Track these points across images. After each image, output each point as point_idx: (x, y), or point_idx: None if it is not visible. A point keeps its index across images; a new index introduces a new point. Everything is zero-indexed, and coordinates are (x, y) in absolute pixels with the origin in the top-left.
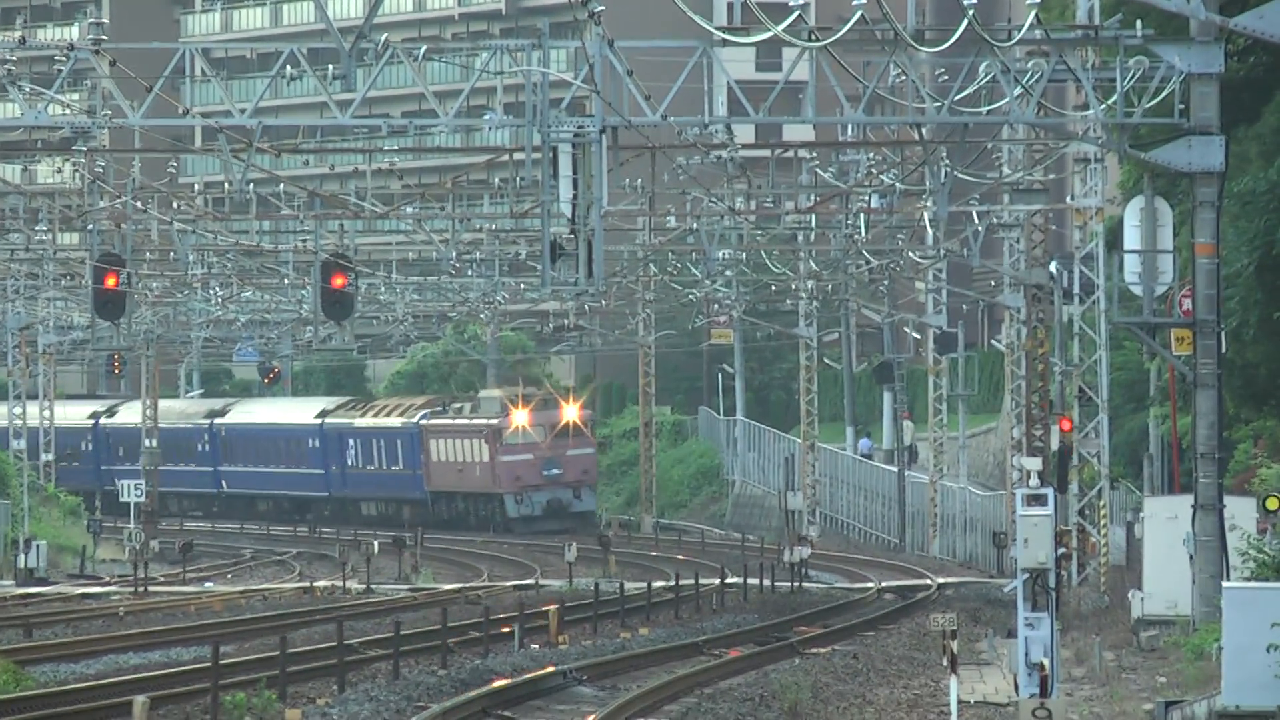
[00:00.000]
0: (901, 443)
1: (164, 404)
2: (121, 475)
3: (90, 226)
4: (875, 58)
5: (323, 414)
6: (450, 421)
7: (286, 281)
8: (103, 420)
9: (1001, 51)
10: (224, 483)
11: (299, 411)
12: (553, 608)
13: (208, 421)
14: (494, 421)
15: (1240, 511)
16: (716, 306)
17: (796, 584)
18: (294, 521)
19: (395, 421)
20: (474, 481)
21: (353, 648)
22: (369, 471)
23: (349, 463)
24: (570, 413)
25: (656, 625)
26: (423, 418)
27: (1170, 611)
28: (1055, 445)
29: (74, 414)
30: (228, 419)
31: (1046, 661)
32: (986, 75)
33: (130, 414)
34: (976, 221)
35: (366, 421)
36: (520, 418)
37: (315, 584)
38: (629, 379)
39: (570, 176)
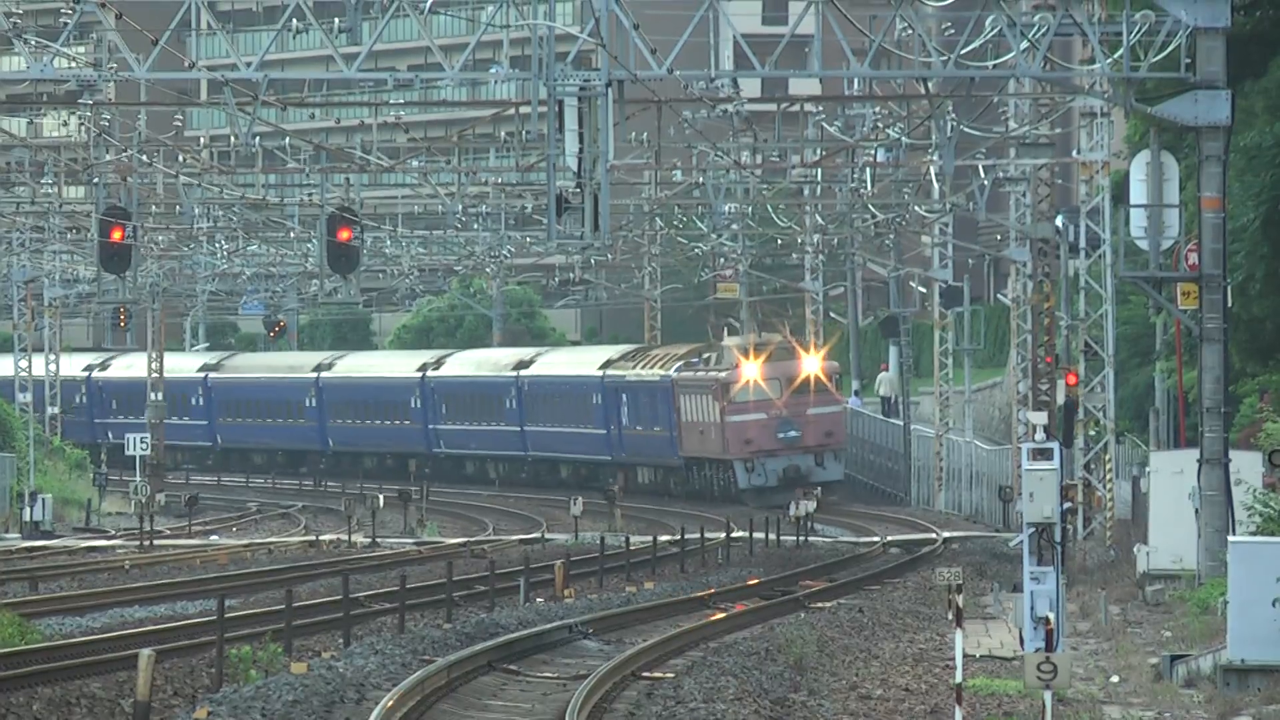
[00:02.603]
0: (890, 396)
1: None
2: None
3: (96, 180)
4: (881, 11)
5: (606, 364)
6: (693, 375)
7: (292, 235)
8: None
9: (1007, 5)
10: (442, 442)
11: (583, 361)
12: (558, 562)
13: (419, 376)
14: (722, 375)
15: (1246, 466)
16: (722, 260)
17: (802, 538)
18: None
19: (654, 374)
20: (709, 445)
21: (358, 601)
22: (638, 433)
23: (624, 423)
24: (811, 364)
25: (662, 579)
26: (677, 369)
27: (1176, 566)
28: (1061, 400)
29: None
30: (442, 372)
31: (1052, 616)
32: (992, 29)
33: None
34: (982, 176)
35: (638, 374)
36: (750, 370)
37: (320, 537)
38: (635, 333)
39: (576, 130)
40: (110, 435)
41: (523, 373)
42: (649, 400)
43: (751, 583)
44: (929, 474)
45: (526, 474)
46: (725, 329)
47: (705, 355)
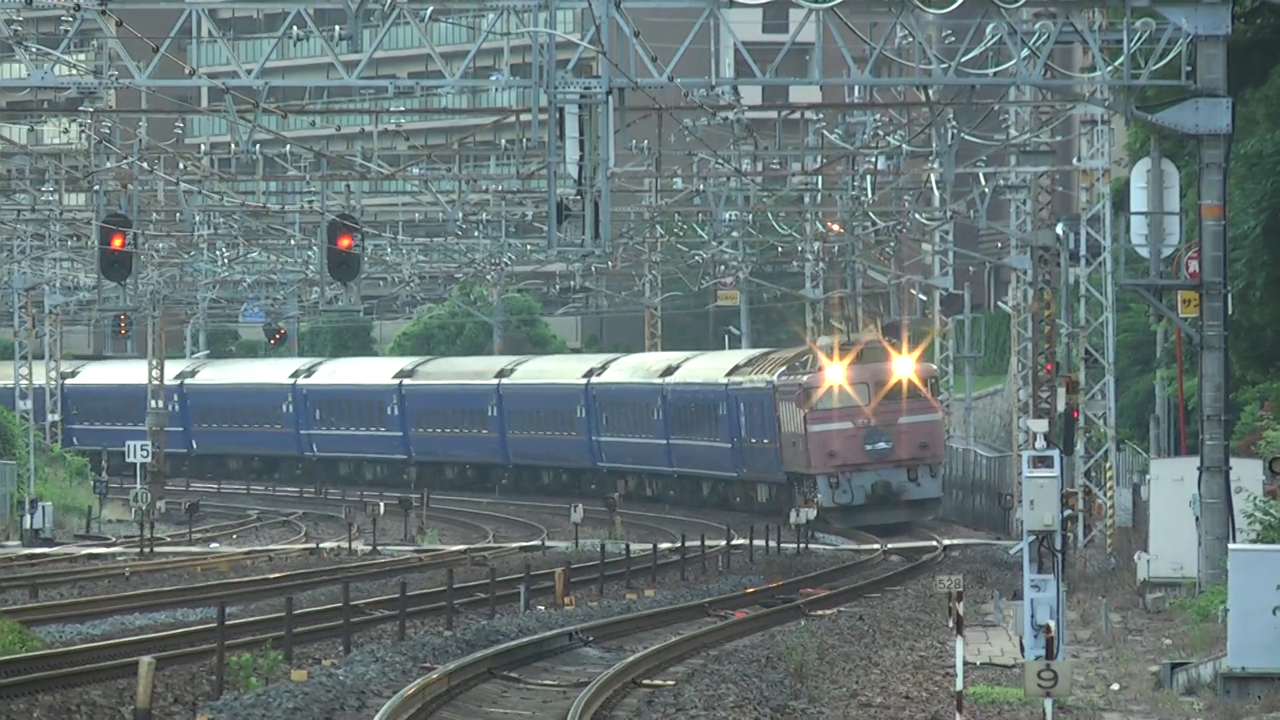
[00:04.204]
0: None
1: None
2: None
3: (96, 187)
4: (882, 19)
5: (667, 370)
6: (787, 380)
7: (293, 242)
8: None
9: (1008, 13)
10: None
11: (712, 368)
12: (559, 569)
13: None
14: (803, 379)
15: (1246, 473)
16: (723, 268)
17: (802, 546)
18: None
19: (760, 380)
20: (797, 458)
21: (358, 609)
22: (752, 445)
23: (742, 435)
24: (904, 366)
25: (662, 587)
26: (779, 375)
27: (1176, 574)
28: (1061, 407)
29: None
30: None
31: (1052, 623)
32: (993, 37)
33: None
34: (983, 183)
35: (750, 381)
36: (835, 374)
37: (321, 545)
38: (635, 340)
39: (576, 138)
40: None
41: (667, 379)
42: (758, 410)
43: (749, 598)
44: None
45: (673, 491)
46: (809, 328)
47: (804, 359)
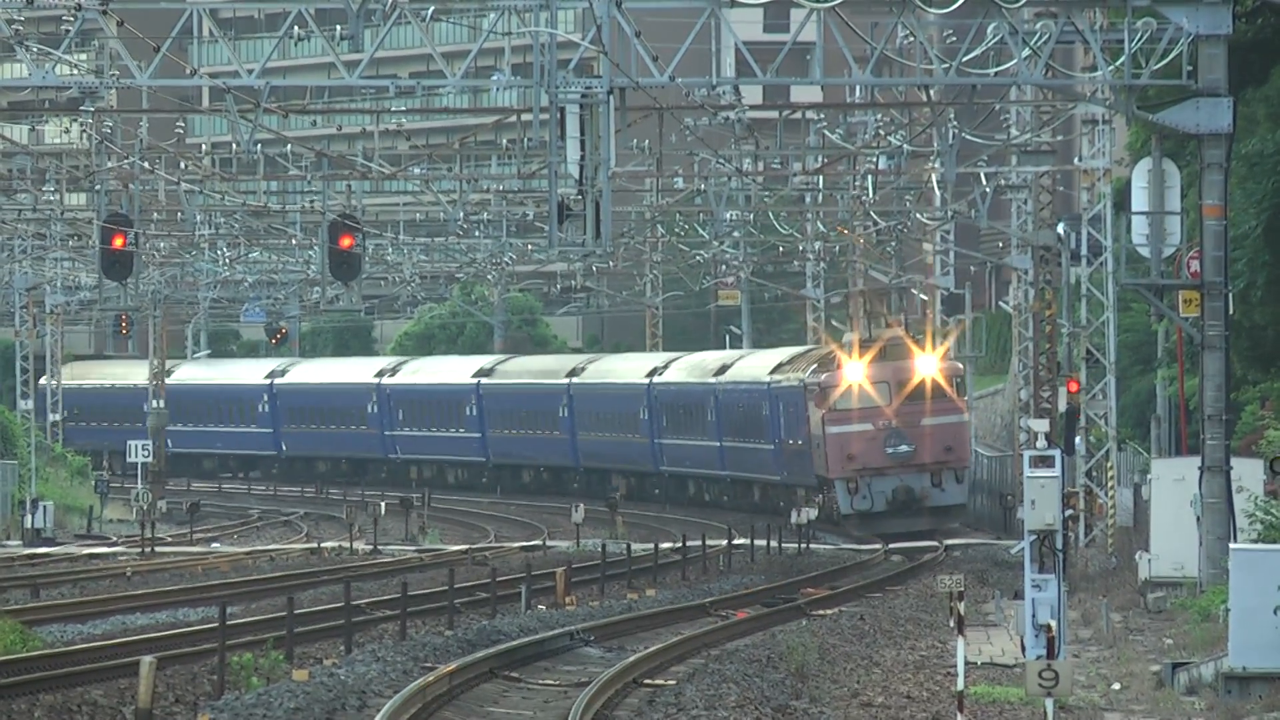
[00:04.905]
0: None
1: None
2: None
3: (98, 187)
4: (883, 19)
5: (775, 369)
6: (812, 378)
7: (294, 242)
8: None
9: (1009, 13)
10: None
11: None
12: (560, 569)
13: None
14: (821, 378)
15: (1247, 473)
16: (724, 268)
17: (804, 545)
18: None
19: (794, 379)
20: (816, 460)
21: (360, 608)
22: (790, 447)
23: (782, 436)
24: (928, 364)
25: (664, 587)
26: (811, 374)
27: (1177, 573)
28: (1063, 407)
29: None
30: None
31: (1053, 623)
32: (994, 36)
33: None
34: (984, 183)
35: (787, 379)
36: (854, 372)
37: (322, 545)
38: (636, 340)
39: (578, 137)
40: (284, 446)
41: (719, 379)
42: (793, 410)
43: (750, 597)
44: None
45: (726, 496)
46: (827, 322)
47: (833, 357)
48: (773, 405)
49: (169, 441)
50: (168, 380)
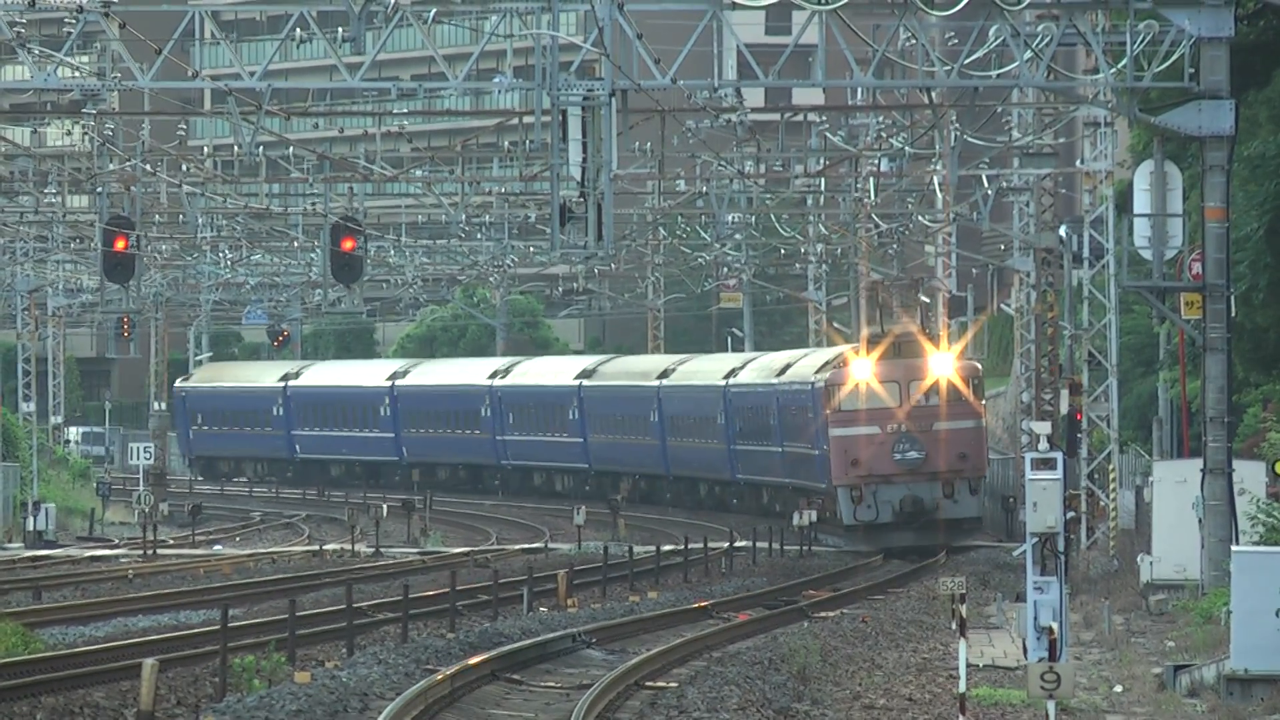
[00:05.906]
0: None
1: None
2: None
3: (99, 189)
4: (885, 21)
5: (784, 369)
6: (821, 376)
7: (296, 244)
8: (291, 383)
9: (1011, 15)
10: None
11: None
12: (562, 571)
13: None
14: (826, 376)
15: (1249, 475)
16: (726, 270)
17: (805, 548)
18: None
19: (804, 380)
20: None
21: (362, 611)
22: (797, 452)
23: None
24: (941, 364)
25: (665, 589)
26: (833, 369)
27: (1179, 576)
28: (1064, 409)
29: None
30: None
31: (1055, 625)
32: (996, 39)
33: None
34: (986, 185)
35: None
36: (861, 370)
37: (324, 547)
38: (638, 342)
39: (580, 140)
40: (405, 451)
41: (779, 380)
42: (798, 408)
43: (752, 599)
44: None
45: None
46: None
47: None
48: (815, 406)
49: (296, 447)
50: (294, 383)
